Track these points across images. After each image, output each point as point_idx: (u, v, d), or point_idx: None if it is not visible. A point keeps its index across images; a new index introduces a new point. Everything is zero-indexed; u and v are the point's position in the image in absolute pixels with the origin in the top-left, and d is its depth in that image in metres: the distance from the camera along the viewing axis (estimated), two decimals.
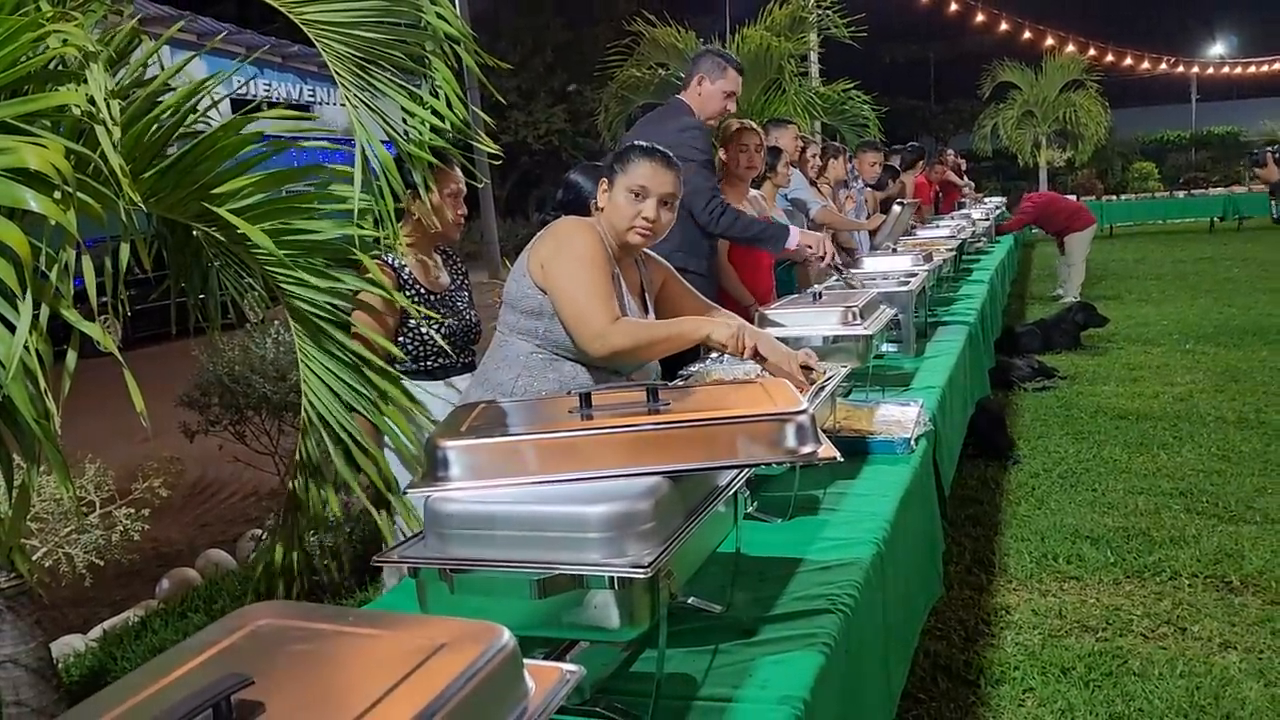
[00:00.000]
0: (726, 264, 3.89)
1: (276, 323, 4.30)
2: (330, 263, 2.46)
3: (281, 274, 2.38)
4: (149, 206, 2.07)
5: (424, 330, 2.67)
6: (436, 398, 2.69)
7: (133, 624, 3.55)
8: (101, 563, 3.25)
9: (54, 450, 1.63)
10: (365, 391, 2.42)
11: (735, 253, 3.92)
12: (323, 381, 2.38)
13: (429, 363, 2.74)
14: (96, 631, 3.55)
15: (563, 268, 2.06)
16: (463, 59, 2.65)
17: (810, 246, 3.45)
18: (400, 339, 2.68)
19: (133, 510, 3.34)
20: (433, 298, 2.74)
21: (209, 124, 2.26)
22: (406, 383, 2.56)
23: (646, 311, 2.27)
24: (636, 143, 2.17)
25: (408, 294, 2.66)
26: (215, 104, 2.28)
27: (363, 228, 2.46)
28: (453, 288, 2.84)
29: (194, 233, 2.43)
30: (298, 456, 2.48)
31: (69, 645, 3.42)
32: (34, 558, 3.01)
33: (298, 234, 2.38)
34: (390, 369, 2.48)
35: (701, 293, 2.44)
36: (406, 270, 2.70)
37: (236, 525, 4.98)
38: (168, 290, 2.78)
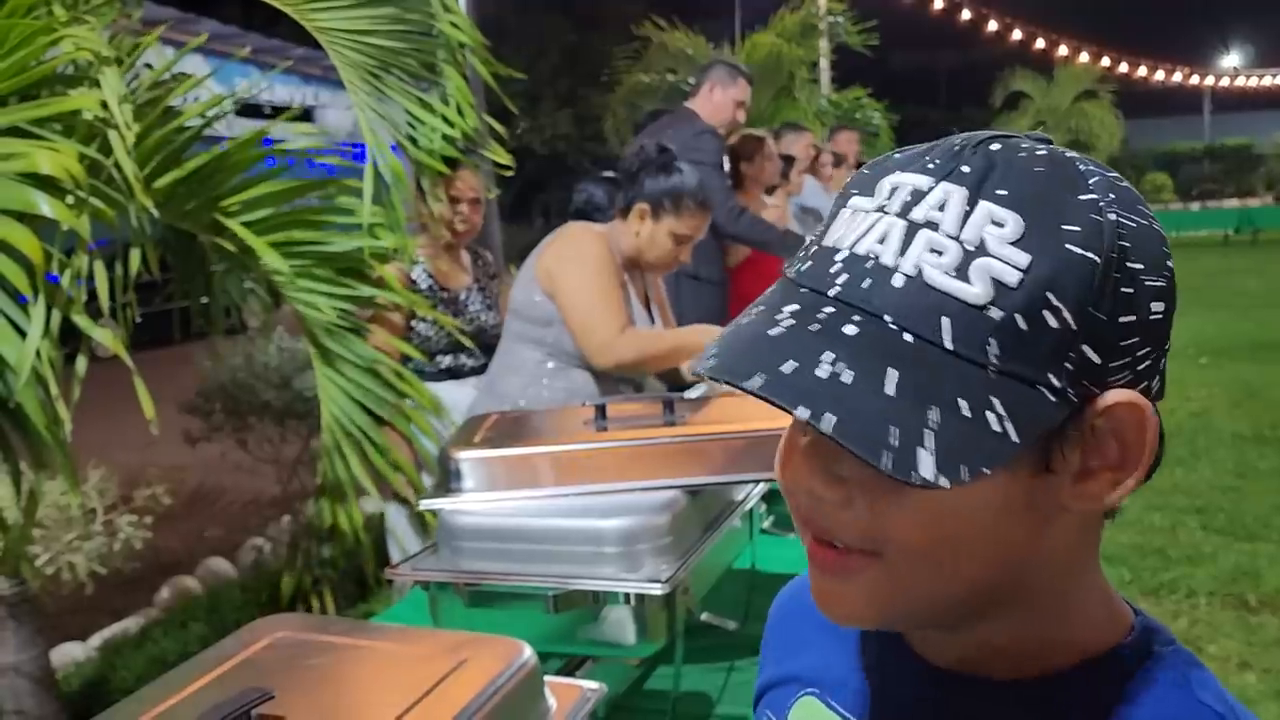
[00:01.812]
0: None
1: (280, 328, 4.28)
2: (342, 272, 2.45)
3: (290, 285, 2.36)
4: (162, 216, 2.06)
5: (425, 332, 2.66)
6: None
7: (133, 633, 3.52)
8: (104, 570, 3.22)
9: (65, 458, 1.61)
10: (385, 396, 2.40)
11: (746, 263, 3.90)
12: (341, 390, 2.37)
13: (433, 361, 2.72)
14: (96, 640, 3.52)
15: (570, 276, 2.04)
16: (474, 66, 2.64)
17: None
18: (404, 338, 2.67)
19: (135, 518, 3.32)
20: (444, 295, 2.72)
21: (215, 129, 2.25)
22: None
23: (653, 320, 2.25)
24: (689, 189, 2.10)
25: (412, 290, 2.66)
26: (226, 114, 2.27)
27: (376, 238, 2.45)
28: (471, 288, 2.82)
29: (199, 239, 2.43)
30: (320, 479, 2.46)
31: (68, 654, 3.38)
32: (37, 564, 2.99)
33: (309, 245, 2.37)
34: (406, 371, 2.48)
35: (712, 300, 2.42)
36: (419, 268, 2.69)
37: (237, 534, 4.94)
38: (170, 295, 2.76)
